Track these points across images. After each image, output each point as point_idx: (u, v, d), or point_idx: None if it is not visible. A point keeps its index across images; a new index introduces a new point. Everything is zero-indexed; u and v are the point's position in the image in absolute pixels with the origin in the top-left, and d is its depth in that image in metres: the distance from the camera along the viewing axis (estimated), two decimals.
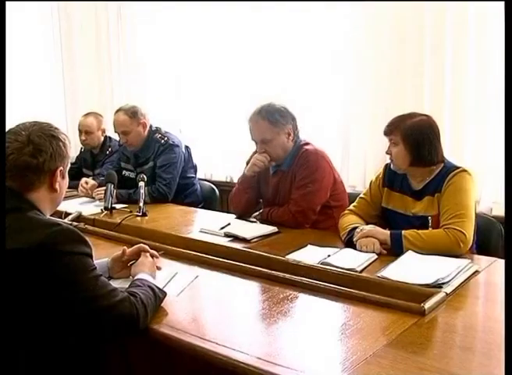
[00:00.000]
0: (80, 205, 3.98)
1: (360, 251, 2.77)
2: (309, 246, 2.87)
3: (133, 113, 4.18)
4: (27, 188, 1.98)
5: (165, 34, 5.41)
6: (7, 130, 2.04)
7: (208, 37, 5.09)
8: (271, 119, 3.33)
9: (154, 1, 5.35)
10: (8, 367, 1.84)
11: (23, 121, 2.08)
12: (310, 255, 2.72)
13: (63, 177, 2.08)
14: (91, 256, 1.95)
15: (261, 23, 4.74)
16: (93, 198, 4.09)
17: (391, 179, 3.07)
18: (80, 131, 4.74)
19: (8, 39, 6.51)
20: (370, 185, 3.17)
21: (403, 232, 2.76)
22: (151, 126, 4.27)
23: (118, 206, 3.75)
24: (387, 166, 3.09)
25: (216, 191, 4.53)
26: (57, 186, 2.04)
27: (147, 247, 2.49)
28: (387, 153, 2.99)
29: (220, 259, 2.73)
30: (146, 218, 3.52)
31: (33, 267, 1.80)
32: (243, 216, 3.53)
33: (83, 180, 4.23)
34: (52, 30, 6.36)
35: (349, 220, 3.06)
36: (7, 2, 6.22)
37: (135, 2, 5.52)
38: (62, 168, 2.06)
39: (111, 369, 2.26)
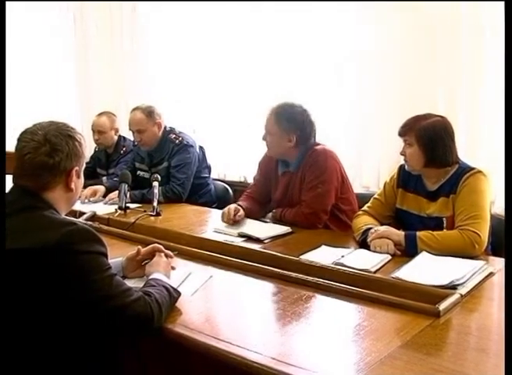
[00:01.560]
0: (94, 204, 4.00)
1: (374, 251, 2.77)
2: (323, 246, 2.87)
3: (149, 113, 4.20)
4: (43, 187, 1.99)
5: (180, 34, 5.40)
6: (23, 129, 2.06)
7: (223, 38, 5.08)
8: (278, 119, 3.39)
9: (169, 1, 5.35)
10: (24, 366, 1.85)
11: (38, 121, 2.10)
12: (324, 255, 2.72)
13: (78, 177, 2.10)
14: (106, 255, 1.96)
15: (274, 25, 4.73)
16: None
17: (405, 180, 3.06)
18: (94, 131, 4.75)
19: (23, 39, 6.61)
20: (384, 186, 3.16)
21: (417, 233, 2.75)
22: (165, 127, 4.29)
23: (132, 206, 3.75)
24: (401, 167, 3.08)
25: (230, 191, 4.54)
26: (72, 185, 2.05)
27: (161, 247, 2.50)
28: (401, 154, 2.98)
29: (234, 259, 2.74)
30: (160, 218, 3.53)
31: (49, 266, 1.81)
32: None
33: (91, 189, 4.21)
34: (67, 30, 6.39)
35: (363, 221, 3.05)
36: (23, 2, 6.34)
37: (149, 2, 5.52)
38: (77, 168, 2.07)
39: (125, 368, 2.26)
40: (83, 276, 1.86)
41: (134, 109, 4.26)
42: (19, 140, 2.03)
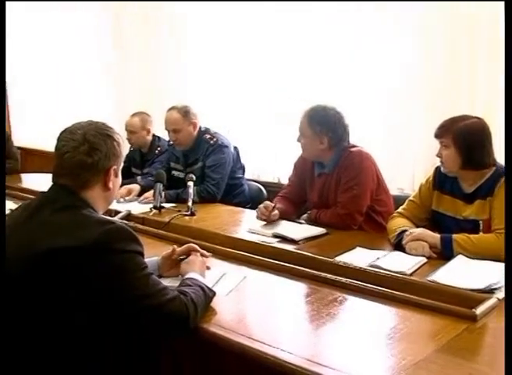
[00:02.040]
0: (129, 203, 4.03)
1: (410, 254, 2.76)
2: (358, 248, 2.86)
3: (185, 112, 4.23)
4: (82, 186, 2.02)
5: (216, 34, 5.42)
6: (63, 129, 2.09)
7: (260, 38, 5.08)
8: (310, 122, 3.40)
9: (205, 1, 5.37)
10: (61, 363, 1.87)
11: (76, 120, 2.13)
12: (359, 257, 2.71)
13: (116, 176, 2.12)
14: (143, 255, 1.98)
15: (312, 26, 4.72)
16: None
17: (441, 182, 3.03)
18: (126, 131, 4.80)
19: (61, 39, 6.70)
20: (420, 188, 3.14)
21: (453, 236, 2.73)
22: (200, 127, 4.31)
23: (166, 205, 3.77)
24: (437, 169, 3.05)
25: (264, 191, 4.55)
26: (110, 184, 2.08)
27: (197, 246, 2.51)
28: (438, 156, 2.95)
29: (268, 260, 2.74)
30: (194, 217, 3.54)
31: (87, 264, 1.83)
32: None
33: (126, 188, 4.24)
34: (104, 31, 6.46)
35: (398, 223, 3.04)
36: (60, 2, 6.42)
37: (186, 2, 5.55)
38: (115, 167, 2.09)
39: (160, 367, 2.28)
40: (121, 275, 1.87)
41: (170, 109, 4.29)
42: (58, 139, 2.06)
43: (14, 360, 1.87)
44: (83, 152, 1.99)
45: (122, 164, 2.18)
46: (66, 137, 2.03)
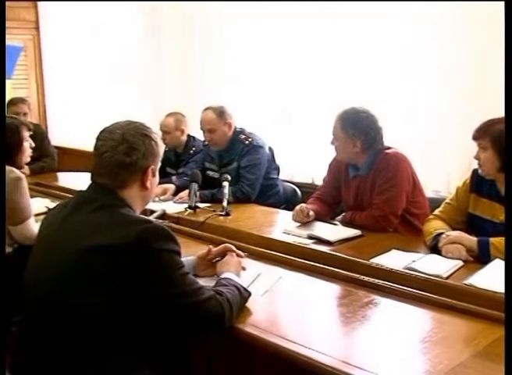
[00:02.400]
0: (164, 203, 4.05)
1: (446, 257, 2.73)
2: (393, 251, 2.84)
3: (220, 113, 4.24)
4: (120, 185, 2.04)
5: (251, 35, 5.43)
6: (102, 128, 2.11)
7: (294, 39, 5.07)
8: (343, 125, 3.39)
9: (240, 1, 5.38)
10: (97, 357, 1.88)
11: (112, 120, 2.15)
12: (394, 259, 2.69)
13: (154, 175, 2.14)
14: (180, 254, 1.99)
15: (346, 28, 4.70)
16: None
17: (479, 184, 2.99)
18: (161, 131, 4.83)
19: (98, 39, 6.77)
20: (457, 190, 3.11)
21: (490, 239, 2.70)
22: (235, 127, 4.32)
23: (201, 205, 3.78)
24: (475, 172, 3.02)
25: (298, 192, 4.54)
26: (148, 184, 2.10)
27: (233, 246, 2.52)
28: (475, 158, 2.92)
29: (303, 261, 2.75)
30: (229, 217, 3.54)
31: (125, 263, 1.84)
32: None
33: (161, 188, 4.26)
34: (139, 30, 6.51)
35: (434, 226, 3.01)
36: (96, 2, 6.49)
37: (220, 3, 5.57)
38: (153, 166, 2.11)
39: (192, 365, 2.29)
40: (158, 274, 1.89)
41: (206, 109, 4.31)
42: (97, 138, 2.09)
43: (51, 355, 1.90)
44: (122, 152, 2.01)
45: (159, 164, 2.19)
46: (105, 136, 2.06)
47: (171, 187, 4.31)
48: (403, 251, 2.83)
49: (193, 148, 4.81)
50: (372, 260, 2.68)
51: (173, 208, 3.84)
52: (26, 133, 3.47)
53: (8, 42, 7.13)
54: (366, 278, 2.49)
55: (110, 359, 1.88)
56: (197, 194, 3.81)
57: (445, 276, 2.48)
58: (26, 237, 3.22)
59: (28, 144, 3.48)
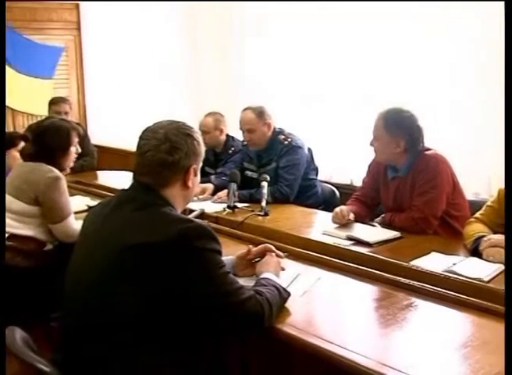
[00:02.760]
0: (202, 202, 4.06)
1: (487, 260, 2.70)
2: (433, 253, 2.82)
3: (260, 113, 4.24)
4: (162, 184, 2.06)
5: (289, 34, 5.44)
6: (144, 128, 2.13)
7: (334, 38, 5.07)
8: (386, 124, 3.35)
9: (278, 1, 5.39)
10: (138, 352, 1.90)
11: (151, 120, 2.17)
12: (434, 262, 2.67)
13: (195, 175, 2.15)
14: (221, 253, 2.00)
15: (386, 29, 4.69)
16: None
17: None
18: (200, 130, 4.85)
19: (137, 38, 6.83)
20: (498, 193, 3.06)
21: None
22: (274, 128, 4.32)
23: (240, 205, 3.79)
24: None
25: (337, 193, 4.52)
26: (190, 183, 2.11)
27: (272, 247, 2.52)
28: None
29: (342, 262, 2.74)
30: (267, 218, 3.54)
31: (167, 261, 1.86)
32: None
33: (200, 187, 4.27)
34: (179, 30, 6.56)
35: (475, 228, 2.97)
36: (136, 2, 6.55)
37: (258, 3, 5.58)
38: (195, 166, 2.13)
39: (228, 364, 2.31)
40: (200, 273, 1.90)
41: (245, 109, 4.32)
42: (140, 138, 2.11)
43: (88, 352, 1.92)
44: (165, 151, 2.03)
45: (201, 163, 2.20)
46: (148, 135, 2.08)
47: (209, 186, 4.33)
48: (443, 253, 2.81)
49: (232, 148, 4.82)
50: (412, 262, 2.66)
51: (212, 207, 3.86)
52: (76, 139, 3.52)
53: (49, 43, 7.29)
54: (405, 280, 2.48)
55: (136, 357, 1.89)
56: (236, 193, 3.82)
57: (486, 279, 2.45)
58: (68, 235, 3.27)
59: (75, 150, 3.52)
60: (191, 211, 3.62)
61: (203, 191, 4.24)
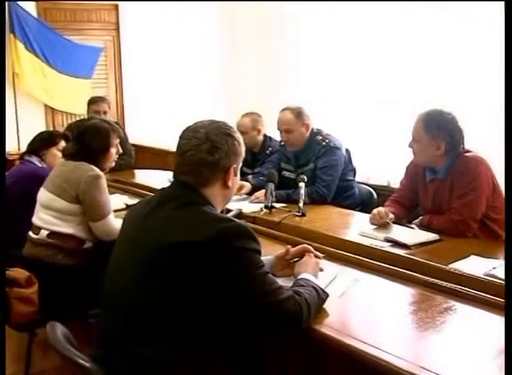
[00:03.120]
0: (240, 202, 4.08)
1: None
2: (472, 256, 2.78)
3: (298, 113, 4.24)
4: (202, 184, 2.07)
5: (327, 34, 5.42)
6: (185, 127, 2.15)
7: (372, 39, 5.05)
8: (427, 126, 3.32)
9: (317, 1, 5.38)
10: (177, 350, 1.92)
11: (190, 120, 2.19)
12: (474, 265, 2.64)
13: (235, 175, 2.17)
14: (260, 253, 2.01)
15: (425, 29, 4.65)
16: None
17: None
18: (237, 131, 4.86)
19: (175, 39, 6.89)
20: None
21: None
22: (312, 129, 4.31)
23: (277, 205, 3.80)
24: None
25: (374, 194, 4.50)
26: (230, 183, 2.13)
27: (311, 247, 2.52)
28: None
29: (380, 264, 2.74)
30: (305, 218, 3.54)
31: (206, 260, 1.87)
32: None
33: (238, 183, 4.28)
34: (217, 30, 6.59)
35: None
36: (174, 2, 6.60)
37: (297, 2, 5.58)
38: (235, 165, 2.14)
39: (267, 364, 2.31)
40: (240, 272, 1.91)
41: (284, 109, 4.32)
42: (180, 137, 2.13)
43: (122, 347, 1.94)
44: (205, 150, 2.05)
45: (241, 163, 2.21)
46: (189, 135, 2.09)
47: (247, 184, 4.34)
48: (483, 257, 2.77)
49: (270, 148, 4.83)
50: (451, 265, 2.64)
51: (249, 207, 3.87)
52: (116, 140, 3.55)
53: (88, 43, 7.39)
54: (444, 283, 2.46)
55: (173, 356, 1.91)
56: (274, 194, 3.82)
57: None
58: (108, 233, 3.30)
59: (115, 151, 3.55)
60: (228, 211, 3.63)
61: (240, 188, 4.25)
